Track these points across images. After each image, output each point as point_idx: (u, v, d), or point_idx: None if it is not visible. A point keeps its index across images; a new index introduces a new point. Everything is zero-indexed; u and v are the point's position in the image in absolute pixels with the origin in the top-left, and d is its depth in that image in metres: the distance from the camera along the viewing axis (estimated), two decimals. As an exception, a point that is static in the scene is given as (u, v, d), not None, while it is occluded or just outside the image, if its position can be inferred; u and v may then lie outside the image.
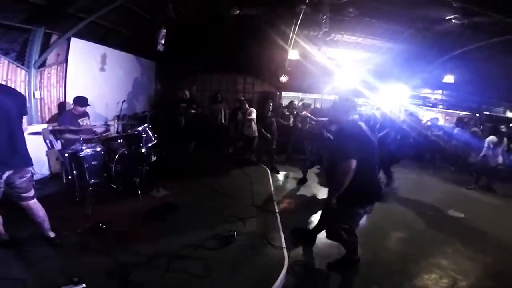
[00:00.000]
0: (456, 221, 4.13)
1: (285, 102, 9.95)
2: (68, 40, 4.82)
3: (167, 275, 2.26)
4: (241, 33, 6.61)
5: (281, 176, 5.85)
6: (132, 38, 6.18)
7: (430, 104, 10.78)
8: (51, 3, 4.02)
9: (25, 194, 2.39)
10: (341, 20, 5.68)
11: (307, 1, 4.72)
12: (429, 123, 8.41)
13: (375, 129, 5.30)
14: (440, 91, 10.49)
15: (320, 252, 3.00)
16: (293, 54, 7.00)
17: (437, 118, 8.53)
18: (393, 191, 5.07)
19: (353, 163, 2.20)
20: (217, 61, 8.17)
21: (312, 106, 7.69)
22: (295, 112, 6.89)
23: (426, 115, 10.04)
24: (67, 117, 4.17)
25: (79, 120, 4.13)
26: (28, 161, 2.39)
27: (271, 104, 6.10)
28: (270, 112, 6.02)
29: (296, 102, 7.74)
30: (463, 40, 6.50)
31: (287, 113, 7.04)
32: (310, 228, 3.39)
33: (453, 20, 4.63)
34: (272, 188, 4.69)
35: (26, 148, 2.40)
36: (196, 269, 2.36)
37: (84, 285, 1.90)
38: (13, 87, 4.10)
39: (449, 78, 8.43)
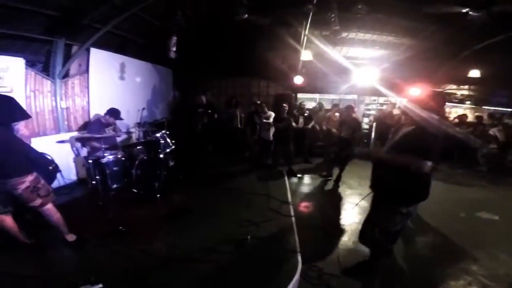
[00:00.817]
0: (489, 224, 3.86)
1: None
2: (88, 51, 5.07)
3: (181, 278, 2.30)
4: (253, 36, 6.64)
5: (298, 179, 5.77)
6: (147, 47, 6.40)
7: (457, 101, 10.22)
8: (68, 15, 4.25)
9: (30, 204, 2.33)
10: (352, 18, 5.56)
11: (315, 1, 4.67)
12: (456, 120, 7.98)
13: None
14: (466, 87, 9.90)
15: (340, 257, 2.89)
16: (306, 55, 6.92)
17: (465, 115, 8.06)
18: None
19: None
20: (231, 66, 8.25)
21: (340, 106, 7.52)
22: (306, 114, 6.79)
23: (453, 112, 9.54)
24: (96, 125, 4.47)
25: (106, 129, 4.40)
26: (21, 172, 2.23)
27: (286, 107, 6.05)
28: (285, 114, 5.97)
29: (305, 103, 7.65)
30: (486, 32, 6.11)
31: (296, 114, 6.96)
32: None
33: (470, 13, 4.34)
34: (289, 192, 4.63)
35: (21, 157, 2.25)
36: (210, 273, 2.37)
37: (101, 285, 1.97)
38: (37, 97, 4.45)
39: (474, 73, 7.95)
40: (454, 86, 9.99)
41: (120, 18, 4.67)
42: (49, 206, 2.45)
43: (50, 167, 3.23)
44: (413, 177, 2.12)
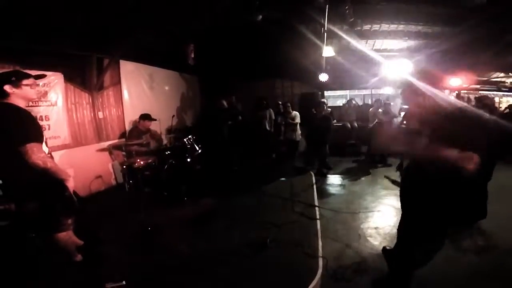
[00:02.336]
0: None
1: (330, 102, 9.64)
2: (118, 63, 5.45)
3: (201, 280, 2.37)
4: (273, 36, 6.62)
5: (326, 179, 5.61)
6: (172, 56, 6.67)
7: (506, 89, 9.18)
8: (97, 30, 4.58)
9: None
10: (372, 9, 5.29)
11: None
12: (507, 110, 7.17)
13: None
14: (517, 73, 8.86)
15: (364, 265, 2.67)
16: (328, 51, 6.70)
17: (515, 104, 7.21)
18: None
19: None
20: (252, 68, 8.31)
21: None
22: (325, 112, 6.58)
23: (503, 102, 8.62)
24: (133, 132, 4.85)
25: (143, 136, 4.76)
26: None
27: (325, 104, 5.79)
28: (324, 113, 5.71)
29: (325, 101, 7.38)
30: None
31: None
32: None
33: None
34: (315, 194, 4.52)
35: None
36: (229, 275, 2.41)
37: (124, 282, 2.11)
38: (78, 109, 4.87)
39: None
40: (502, 74, 9.00)
41: (142, 30, 4.92)
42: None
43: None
44: (463, 184, 1.66)
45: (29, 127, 1.88)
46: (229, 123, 6.43)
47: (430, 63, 7.47)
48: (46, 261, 2.48)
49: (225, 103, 6.41)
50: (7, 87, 1.90)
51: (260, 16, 4.65)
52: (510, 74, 8.95)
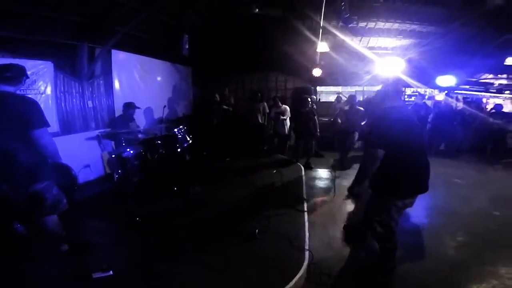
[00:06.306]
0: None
1: (323, 97, 9.70)
2: (110, 52, 5.33)
3: (187, 268, 2.40)
4: (269, 30, 6.60)
5: (315, 172, 5.70)
6: (165, 46, 6.60)
7: (494, 90, 9.40)
8: (89, 19, 4.51)
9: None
10: (370, 7, 5.33)
11: None
12: (493, 110, 7.39)
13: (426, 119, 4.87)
14: (505, 75, 9.07)
15: (352, 255, 2.80)
16: (322, 47, 6.72)
17: (500, 105, 7.41)
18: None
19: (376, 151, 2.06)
20: (247, 61, 8.25)
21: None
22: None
23: (490, 103, 8.83)
24: (118, 121, 4.76)
25: (130, 124, 4.68)
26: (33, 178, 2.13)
27: (309, 100, 5.90)
28: (308, 108, 5.81)
29: (314, 97, 7.47)
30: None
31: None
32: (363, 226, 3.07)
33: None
34: (304, 186, 4.59)
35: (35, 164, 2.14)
36: (215, 264, 2.45)
37: (111, 272, 2.12)
38: (67, 98, 4.76)
39: (511, 60, 7.26)
40: (491, 76, 9.21)
41: (137, 20, 4.85)
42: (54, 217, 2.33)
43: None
44: (399, 167, 2.11)
45: (43, 114, 2.18)
46: (219, 116, 6.42)
47: (422, 62, 7.59)
48: (32, 251, 2.47)
49: (217, 95, 6.36)
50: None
51: (257, 9, 4.62)
52: (498, 76, 9.16)
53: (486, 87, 9.39)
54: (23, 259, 2.43)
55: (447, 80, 7.88)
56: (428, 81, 7.97)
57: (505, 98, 8.94)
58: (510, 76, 8.95)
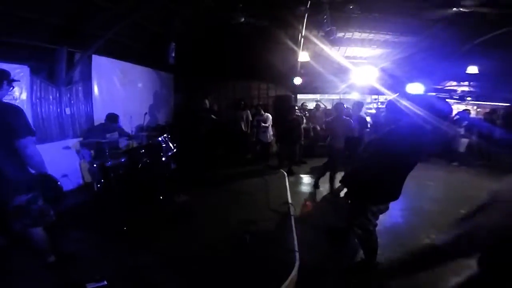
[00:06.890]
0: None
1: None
2: (90, 58, 5.19)
3: (178, 276, 2.40)
4: (252, 39, 6.74)
5: (298, 178, 5.85)
6: (148, 53, 6.52)
7: (457, 97, 10.20)
8: (70, 23, 4.36)
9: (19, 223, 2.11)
10: (347, 18, 5.66)
11: (308, 2, 4.77)
12: (457, 117, 7.95)
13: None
14: (466, 83, 9.91)
15: (338, 256, 2.94)
16: (303, 56, 7.01)
17: (465, 111, 8.01)
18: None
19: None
20: (231, 70, 8.35)
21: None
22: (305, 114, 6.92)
23: (454, 109, 9.54)
24: (96, 130, 4.59)
25: (108, 135, 4.49)
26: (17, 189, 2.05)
27: (296, 107, 6.10)
28: (294, 116, 5.92)
29: (307, 104, 7.81)
30: (482, 28, 6.16)
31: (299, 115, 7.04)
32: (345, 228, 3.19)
33: (460, 9, 4.44)
34: (289, 192, 4.71)
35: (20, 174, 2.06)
36: (207, 271, 2.47)
37: (105, 282, 2.08)
38: (43, 104, 4.57)
39: (472, 69, 7.95)
40: (454, 83, 10.01)
41: (120, 25, 4.77)
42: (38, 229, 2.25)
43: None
44: (377, 179, 2.20)
45: (28, 122, 2.11)
46: (206, 124, 6.43)
47: (395, 70, 8.10)
48: (17, 263, 2.38)
49: (207, 102, 6.37)
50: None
51: (243, 18, 4.73)
52: (461, 83, 9.98)
53: (451, 94, 10.18)
54: (10, 271, 2.34)
55: (415, 87, 8.41)
56: (400, 89, 8.49)
57: (467, 104, 9.74)
58: (471, 83, 9.77)
